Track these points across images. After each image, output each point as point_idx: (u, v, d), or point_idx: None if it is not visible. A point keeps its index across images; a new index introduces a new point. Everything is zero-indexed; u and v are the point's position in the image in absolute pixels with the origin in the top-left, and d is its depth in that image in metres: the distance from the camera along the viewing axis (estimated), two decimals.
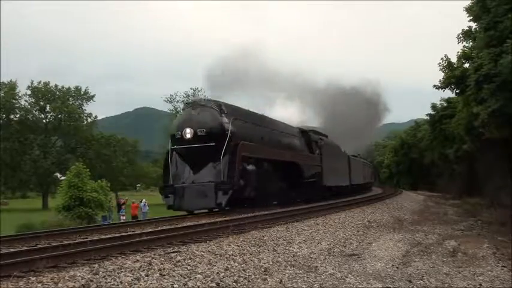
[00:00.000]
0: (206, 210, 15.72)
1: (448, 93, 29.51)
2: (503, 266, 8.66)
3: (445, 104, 38.17)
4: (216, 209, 15.14)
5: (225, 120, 15.85)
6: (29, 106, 60.05)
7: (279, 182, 19.55)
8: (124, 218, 24.23)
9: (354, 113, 40.96)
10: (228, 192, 14.63)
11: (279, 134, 20.83)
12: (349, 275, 7.57)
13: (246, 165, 16.06)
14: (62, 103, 59.30)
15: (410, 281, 7.41)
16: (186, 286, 6.13)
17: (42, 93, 59.69)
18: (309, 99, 39.63)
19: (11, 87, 57.81)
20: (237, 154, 15.29)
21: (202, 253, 7.96)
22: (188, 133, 15.29)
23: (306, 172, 22.12)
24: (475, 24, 20.92)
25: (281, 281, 6.88)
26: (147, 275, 6.28)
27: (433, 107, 40.62)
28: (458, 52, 24.89)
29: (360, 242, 11.22)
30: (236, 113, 17.03)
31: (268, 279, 6.89)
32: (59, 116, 60.32)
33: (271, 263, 7.93)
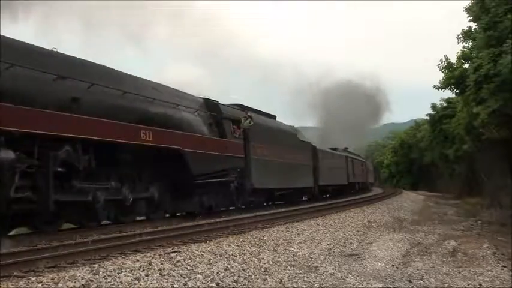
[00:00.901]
0: None
1: (448, 93, 29.52)
2: (503, 266, 8.64)
3: (445, 104, 38.21)
4: None
5: None
6: None
7: (125, 183, 11.95)
8: None
9: (353, 108, 40.91)
10: None
11: (142, 101, 12.55)
12: (349, 275, 7.57)
13: None
14: None
15: (410, 281, 7.40)
16: (186, 286, 6.13)
17: None
18: (309, 97, 39.91)
19: None
20: None
21: (202, 253, 7.96)
22: None
23: (201, 166, 14.37)
24: (475, 24, 20.92)
25: (281, 281, 6.88)
26: (147, 275, 6.28)
27: (433, 107, 40.67)
28: (457, 52, 24.92)
29: (360, 242, 11.22)
30: None
31: (268, 279, 6.89)
32: None
33: (271, 263, 7.93)
